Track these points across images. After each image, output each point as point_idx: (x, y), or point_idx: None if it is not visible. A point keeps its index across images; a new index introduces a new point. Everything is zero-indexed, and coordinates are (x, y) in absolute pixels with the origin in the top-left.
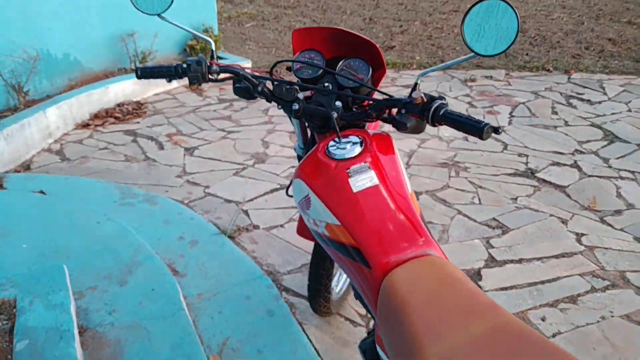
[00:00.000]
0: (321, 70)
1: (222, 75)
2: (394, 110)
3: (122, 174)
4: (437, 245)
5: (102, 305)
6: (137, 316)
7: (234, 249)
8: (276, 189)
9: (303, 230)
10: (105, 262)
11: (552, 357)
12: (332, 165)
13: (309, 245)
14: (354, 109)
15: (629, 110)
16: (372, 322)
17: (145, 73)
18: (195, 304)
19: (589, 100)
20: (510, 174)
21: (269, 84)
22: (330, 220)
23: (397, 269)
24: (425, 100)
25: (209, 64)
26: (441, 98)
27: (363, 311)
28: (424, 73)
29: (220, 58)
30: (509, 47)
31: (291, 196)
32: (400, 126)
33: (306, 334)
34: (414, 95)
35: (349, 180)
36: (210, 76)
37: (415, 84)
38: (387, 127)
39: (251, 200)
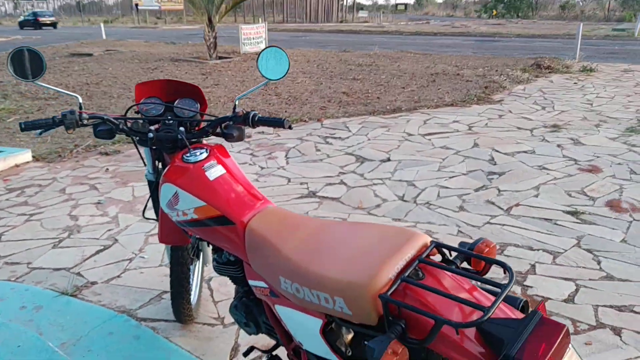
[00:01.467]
0: (163, 109)
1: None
2: (221, 129)
3: None
4: (271, 202)
5: None
6: None
7: (81, 303)
8: (101, 250)
9: (164, 236)
10: None
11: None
12: (190, 167)
13: (153, 283)
14: (193, 132)
15: (369, 140)
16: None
17: (29, 126)
18: (61, 351)
19: (340, 137)
20: (298, 197)
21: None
22: (198, 204)
23: (252, 220)
24: (244, 112)
25: (79, 113)
26: (253, 110)
27: (216, 314)
28: (240, 97)
29: None
30: (285, 74)
31: (147, 218)
32: (229, 137)
33: (173, 343)
34: (237, 110)
35: (205, 173)
36: (80, 122)
37: (235, 104)
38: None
39: (80, 264)
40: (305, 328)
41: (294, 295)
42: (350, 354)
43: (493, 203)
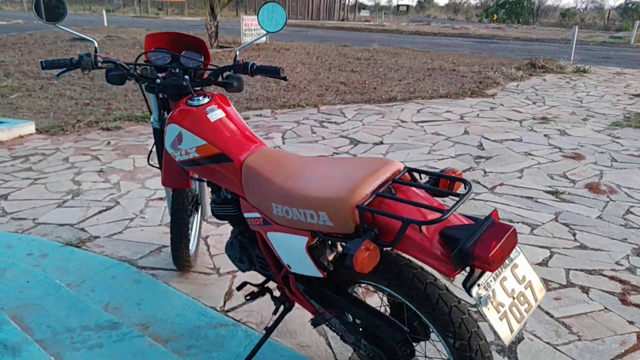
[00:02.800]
0: (170, 58)
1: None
2: (223, 78)
3: None
4: (266, 144)
5: None
6: (22, 299)
7: (84, 253)
8: (104, 210)
9: (167, 180)
10: None
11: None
12: (194, 109)
13: (153, 238)
14: (197, 80)
15: (363, 125)
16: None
17: (49, 64)
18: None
19: (335, 122)
20: None
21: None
22: (199, 143)
23: (248, 157)
24: (244, 61)
25: (94, 56)
26: (252, 62)
27: (212, 265)
28: (240, 48)
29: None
30: (283, 27)
31: (152, 165)
32: (229, 86)
33: (172, 287)
34: (237, 60)
35: (207, 116)
36: (95, 64)
37: (236, 55)
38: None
39: (83, 221)
40: (293, 248)
41: (284, 218)
42: (332, 269)
43: (478, 182)
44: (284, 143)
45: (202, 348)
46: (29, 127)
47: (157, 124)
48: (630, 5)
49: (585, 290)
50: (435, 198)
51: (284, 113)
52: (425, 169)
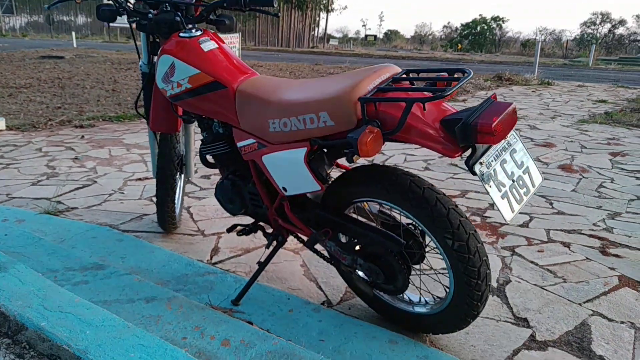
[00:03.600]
0: None
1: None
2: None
3: None
4: (259, 74)
5: None
6: (3, 247)
7: (62, 220)
8: (81, 188)
9: (155, 123)
10: None
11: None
12: (187, 40)
13: (133, 209)
14: (189, 17)
15: None
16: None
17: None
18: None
19: None
20: None
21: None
22: (192, 72)
23: (242, 83)
24: None
25: None
26: None
27: (196, 229)
28: None
29: None
30: None
31: (139, 113)
32: (220, 23)
33: (156, 245)
34: None
35: (200, 46)
36: None
37: None
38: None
39: (60, 196)
40: (290, 163)
41: (281, 132)
42: (330, 180)
43: (456, 165)
44: None
45: (191, 291)
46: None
47: (145, 67)
48: (585, 35)
49: (566, 245)
50: None
51: None
52: (403, 157)
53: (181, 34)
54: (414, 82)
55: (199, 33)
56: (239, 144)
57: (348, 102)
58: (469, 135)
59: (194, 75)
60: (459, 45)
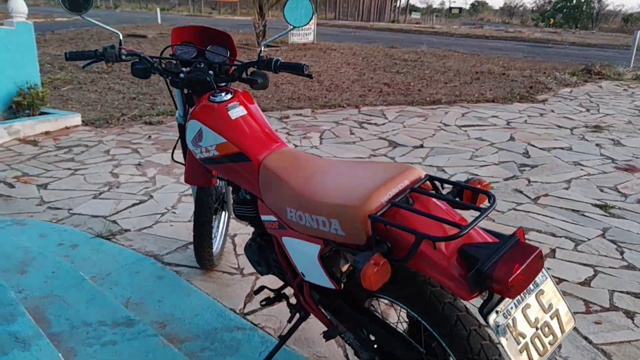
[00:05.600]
0: (195, 53)
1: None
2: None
3: None
4: (287, 144)
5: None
6: (46, 290)
7: (113, 245)
8: (137, 204)
9: (190, 177)
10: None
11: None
12: (215, 106)
13: (181, 234)
14: (221, 76)
15: (404, 127)
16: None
17: (73, 56)
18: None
19: (375, 123)
20: None
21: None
22: (220, 141)
23: (266, 158)
24: (268, 57)
25: (118, 48)
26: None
27: (236, 265)
28: (266, 43)
29: (48, 113)
30: (309, 21)
31: (176, 161)
32: (253, 83)
33: (194, 286)
34: (262, 55)
35: (228, 113)
36: (119, 57)
37: (260, 50)
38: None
39: (116, 213)
40: (306, 255)
41: (297, 223)
42: (344, 281)
43: (521, 192)
44: (321, 143)
45: (217, 351)
46: (76, 119)
47: (181, 119)
48: None
49: (630, 315)
50: (458, 211)
51: (325, 113)
52: (465, 176)
53: (210, 98)
54: (439, 183)
55: (228, 97)
56: (262, 218)
57: (358, 217)
58: (483, 285)
59: (220, 144)
60: (552, 20)
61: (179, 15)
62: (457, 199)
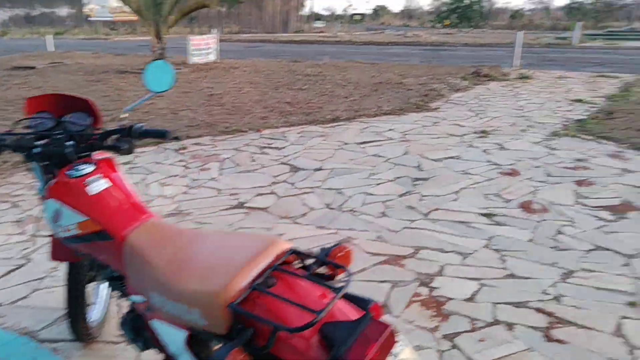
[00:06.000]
0: (54, 123)
1: None
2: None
3: None
4: (155, 215)
5: None
6: None
7: None
8: (13, 269)
9: (56, 253)
10: None
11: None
12: (72, 182)
13: (62, 302)
14: (82, 146)
15: (305, 149)
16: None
17: None
18: None
19: (277, 147)
20: (225, 209)
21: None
22: (80, 219)
23: (132, 234)
24: (128, 125)
25: None
26: (139, 123)
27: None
28: (126, 110)
29: None
30: (170, 87)
31: (43, 235)
32: (118, 150)
33: None
34: (121, 123)
35: (86, 188)
36: None
37: (122, 118)
38: None
39: None
40: (174, 341)
41: (161, 310)
42: None
43: (414, 208)
44: (221, 174)
45: None
46: None
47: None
48: (574, 4)
49: (511, 327)
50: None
51: (224, 140)
52: (362, 197)
53: (67, 172)
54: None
55: (88, 170)
56: (131, 298)
57: (218, 306)
58: None
59: (82, 222)
60: (446, 22)
61: (74, 40)
62: (323, 266)
